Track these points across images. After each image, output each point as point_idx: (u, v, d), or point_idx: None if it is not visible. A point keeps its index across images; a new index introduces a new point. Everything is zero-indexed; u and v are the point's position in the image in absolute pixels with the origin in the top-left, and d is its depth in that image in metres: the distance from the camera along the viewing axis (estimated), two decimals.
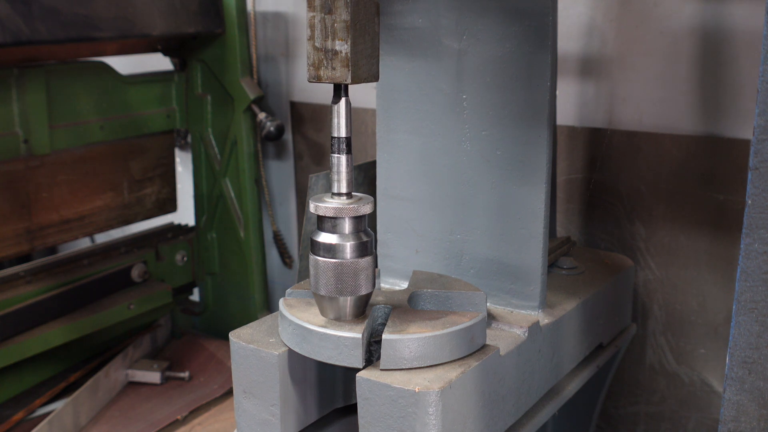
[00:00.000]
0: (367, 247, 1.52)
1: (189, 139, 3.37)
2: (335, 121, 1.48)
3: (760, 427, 1.12)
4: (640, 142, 2.41)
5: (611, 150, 2.46)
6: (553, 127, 2.00)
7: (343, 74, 1.41)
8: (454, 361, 1.51)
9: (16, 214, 2.72)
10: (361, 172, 2.26)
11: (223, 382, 2.93)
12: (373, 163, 2.08)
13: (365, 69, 1.43)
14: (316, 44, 1.41)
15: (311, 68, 1.43)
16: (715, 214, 2.31)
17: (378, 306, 1.62)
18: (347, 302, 1.52)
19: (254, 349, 1.59)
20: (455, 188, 1.84)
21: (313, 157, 3.29)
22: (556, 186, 2.45)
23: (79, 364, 2.98)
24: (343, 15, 1.38)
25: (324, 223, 1.51)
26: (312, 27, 1.42)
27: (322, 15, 1.40)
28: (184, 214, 3.49)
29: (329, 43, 1.40)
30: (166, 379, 2.97)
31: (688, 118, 2.32)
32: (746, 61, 2.19)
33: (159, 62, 3.28)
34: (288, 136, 3.30)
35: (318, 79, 1.43)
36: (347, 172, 1.49)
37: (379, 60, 1.47)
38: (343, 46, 1.39)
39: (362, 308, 1.55)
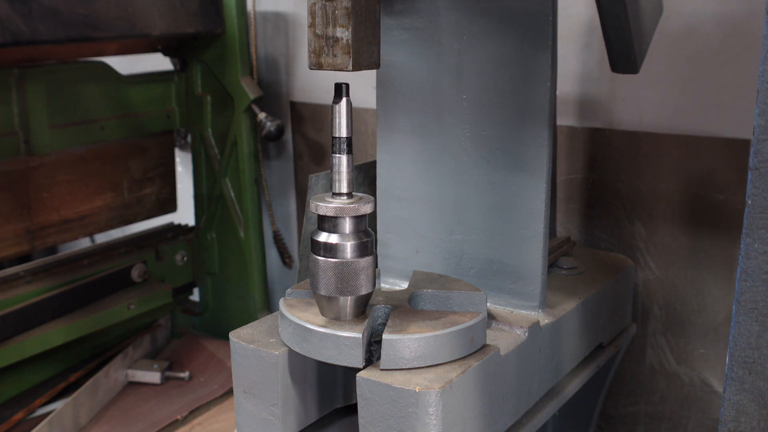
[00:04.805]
0: (367, 247, 1.52)
1: (189, 139, 3.37)
2: (336, 121, 1.48)
3: (760, 427, 1.12)
4: (640, 142, 2.41)
5: (611, 150, 2.46)
6: (553, 127, 1.99)
7: (344, 61, 1.40)
8: (455, 361, 1.51)
9: (16, 214, 2.72)
10: (361, 172, 2.26)
11: (223, 382, 2.93)
12: (373, 163, 2.07)
13: (366, 56, 1.42)
14: (317, 31, 1.40)
15: (312, 55, 1.42)
16: (715, 214, 2.31)
17: (378, 306, 1.62)
18: (347, 302, 1.52)
19: (254, 349, 1.59)
20: (455, 188, 1.84)
21: (313, 157, 3.29)
22: (556, 186, 2.45)
23: (79, 364, 2.98)
24: (344, 2, 1.37)
25: (324, 222, 1.51)
26: (313, 14, 1.40)
27: (323, 2, 1.39)
28: (184, 214, 3.49)
29: (330, 30, 1.39)
30: (166, 379, 2.97)
31: (688, 118, 2.32)
32: (746, 61, 2.19)
33: (159, 62, 3.28)
34: (288, 136, 3.30)
35: (319, 66, 1.42)
36: (348, 172, 1.49)
37: (380, 47, 1.46)
38: (344, 33, 1.38)
39: (362, 308, 1.55)
